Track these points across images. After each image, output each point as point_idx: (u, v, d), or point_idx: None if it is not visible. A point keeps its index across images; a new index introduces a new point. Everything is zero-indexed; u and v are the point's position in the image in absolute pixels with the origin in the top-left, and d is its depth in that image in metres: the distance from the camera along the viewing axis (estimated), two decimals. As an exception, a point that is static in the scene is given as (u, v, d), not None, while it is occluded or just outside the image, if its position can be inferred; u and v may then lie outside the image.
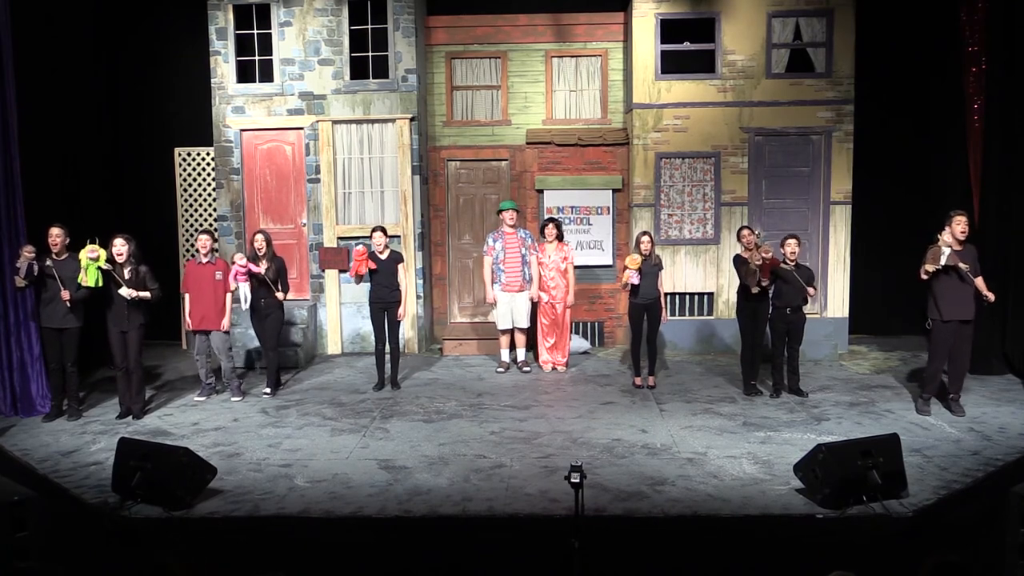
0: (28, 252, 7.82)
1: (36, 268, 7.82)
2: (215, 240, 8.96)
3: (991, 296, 7.88)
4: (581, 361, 10.59)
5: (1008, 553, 4.74)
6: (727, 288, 10.97)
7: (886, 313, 11.40)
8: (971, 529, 5.35)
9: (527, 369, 10.00)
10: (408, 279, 11.21)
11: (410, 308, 11.14)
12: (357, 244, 8.96)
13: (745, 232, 8.62)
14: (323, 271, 11.18)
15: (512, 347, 10.25)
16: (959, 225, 7.72)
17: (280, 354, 9.57)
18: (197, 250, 8.87)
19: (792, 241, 8.57)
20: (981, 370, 9.44)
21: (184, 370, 10.20)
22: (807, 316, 8.86)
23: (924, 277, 7.77)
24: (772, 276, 8.45)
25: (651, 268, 9.05)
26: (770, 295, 8.64)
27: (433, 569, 5.46)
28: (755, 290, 8.40)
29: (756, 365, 8.86)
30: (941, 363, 8.01)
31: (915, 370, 9.63)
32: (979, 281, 7.84)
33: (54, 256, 8.00)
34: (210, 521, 5.83)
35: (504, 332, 10.13)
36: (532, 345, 10.46)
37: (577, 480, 4.69)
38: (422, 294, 11.25)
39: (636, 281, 8.93)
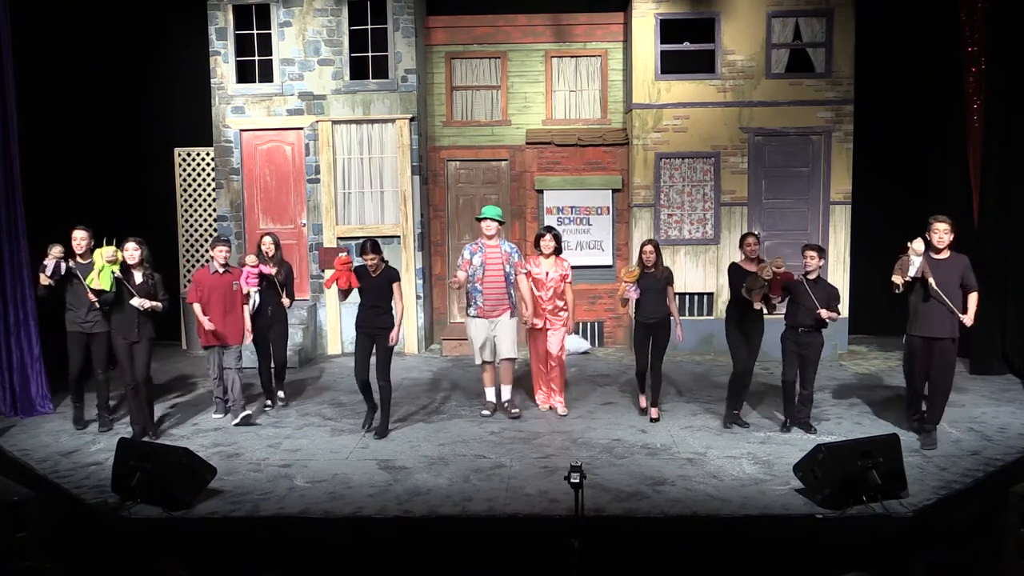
0: (57, 252, 7.45)
1: (63, 268, 7.46)
2: (230, 250, 8.21)
3: (968, 320, 6.90)
4: (581, 361, 10.58)
5: (1008, 553, 4.74)
6: (727, 288, 10.94)
7: (886, 313, 11.38)
8: (971, 529, 5.35)
9: (515, 412, 8.12)
10: (408, 288, 10.87)
11: (410, 309, 11.14)
12: (341, 252, 7.45)
13: (751, 240, 7.55)
14: (323, 271, 11.18)
15: (498, 384, 8.33)
16: (936, 233, 6.86)
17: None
18: (211, 258, 8.05)
19: (812, 252, 7.23)
20: (981, 370, 9.47)
21: (183, 369, 10.21)
22: (824, 339, 7.51)
23: (896, 291, 6.94)
24: (783, 292, 7.25)
25: (655, 283, 7.73)
26: (762, 312, 7.46)
27: (433, 569, 5.45)
28: (757, 306, 7.25)
29: (742, 393, 7.73)
30: (918, 382, 7.13)
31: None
32: (972, 297, 6.93)
33: (78, 259, 7.60)
34: (210, 521, 5.82)
35: (485, 366, 8.26)
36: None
37: (577, 480, 4.69)
38: (422, 294, 11.25)
39: (634, 296, 7.72)
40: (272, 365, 8.54)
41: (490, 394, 8.31)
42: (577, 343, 10.96)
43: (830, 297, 7.26)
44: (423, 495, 6.18)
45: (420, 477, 6.55)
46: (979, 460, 6.73)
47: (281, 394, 8.72)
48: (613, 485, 6.30)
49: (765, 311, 7.38)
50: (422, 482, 6.44)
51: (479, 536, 5.71)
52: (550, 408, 8.32)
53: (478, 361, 8.25)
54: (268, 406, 8.51)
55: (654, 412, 7.95)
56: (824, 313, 7.11)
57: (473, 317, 8.12)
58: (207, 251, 11.79)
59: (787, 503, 5.96)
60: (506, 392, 8.28)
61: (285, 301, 8.39)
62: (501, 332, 8.09)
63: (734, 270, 7.57)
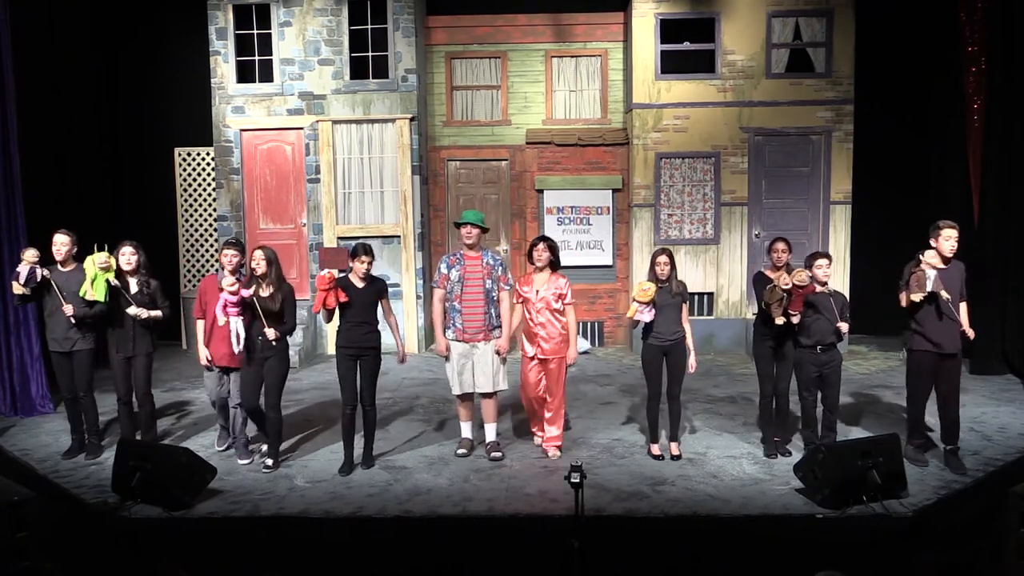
0: (31, 256, 6.68)
1: (39, 274, 6.66)
2: (244, 254, 6.85)
3: (971, 332, 6.46)
4: (581, 361, 10.57)
5: (1008, 553, 4.74)
6: (727, 288, 10.99)
7: (886, 313, 11.37)
8: (971, 529, 5.35)
9: (497, 455, 6.91)
10: (408, 288, 10.98)
11: (410, 309, 11.15)
12: (323, 271, 6.50)
13: (779, 246, 6.70)
14: (323, 271, 11.16)
15: (472, 420, 7.17)
16: (948, 241, 6.29)
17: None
18: (220, 266, 6.79)
19: (824, 261, 6.56)
20: (981, 370, 9.48)
21: (183, 371, 10.20)
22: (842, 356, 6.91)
23: (907, 304, 6.43)
24: (805, 306, 6.53)
25: (671, 300, 6.69)
26: (791, 326, 6.63)
27: (433, 569, 5.45)
28: (780, 320, 6.46)
29: (782, 418, 6.99)
30: (922, 403, 6.60)
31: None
32: (964, 307, 6.47)
33: (59, 266, 6.82)
34: (210, 521, 5.82)
35: (462, 399, 7.05)
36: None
37: (577, 480, 4.69)
38: (422, 294, 11.25)
39: (647, 318, 6.67)
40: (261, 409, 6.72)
41: (466, 430, 7.11)
42: (577, 343, 10.93)
43: (843, 307, 6.64)
44: (423, 495, 6.18)
45: (420, 477, 6.55)
46: (979, 460, 6.73)
47: (266, 457, 6.79)
48: (613, 485, 6.30)
49: (792, 321, 6.53)
50: (422, 482, 6.44)
51: (479, 536, 5.71)
52: (545, 452, 7.05)
53: (454, 392, 6.99)
54: (267, 467, 6.73)
55: (675, 448, 6.90)
56: (844, 327, 6.52)
57: (452, 340, 6.85)
58: (207, 252, 11.81)
59: (787, 503, 5.96)
60: (490, 432, 7.05)
61: (268, 333, 6.39)
62: (481, 362, 6.82)
63: (759, 280, 6.79)
